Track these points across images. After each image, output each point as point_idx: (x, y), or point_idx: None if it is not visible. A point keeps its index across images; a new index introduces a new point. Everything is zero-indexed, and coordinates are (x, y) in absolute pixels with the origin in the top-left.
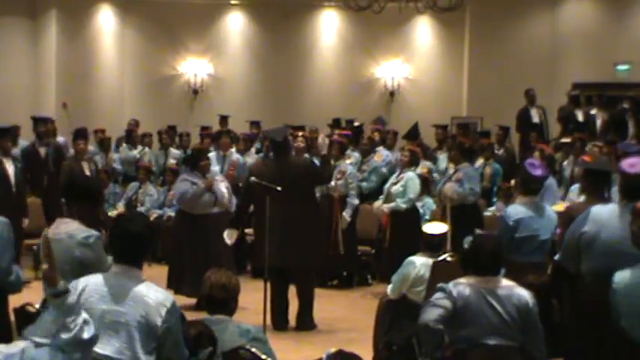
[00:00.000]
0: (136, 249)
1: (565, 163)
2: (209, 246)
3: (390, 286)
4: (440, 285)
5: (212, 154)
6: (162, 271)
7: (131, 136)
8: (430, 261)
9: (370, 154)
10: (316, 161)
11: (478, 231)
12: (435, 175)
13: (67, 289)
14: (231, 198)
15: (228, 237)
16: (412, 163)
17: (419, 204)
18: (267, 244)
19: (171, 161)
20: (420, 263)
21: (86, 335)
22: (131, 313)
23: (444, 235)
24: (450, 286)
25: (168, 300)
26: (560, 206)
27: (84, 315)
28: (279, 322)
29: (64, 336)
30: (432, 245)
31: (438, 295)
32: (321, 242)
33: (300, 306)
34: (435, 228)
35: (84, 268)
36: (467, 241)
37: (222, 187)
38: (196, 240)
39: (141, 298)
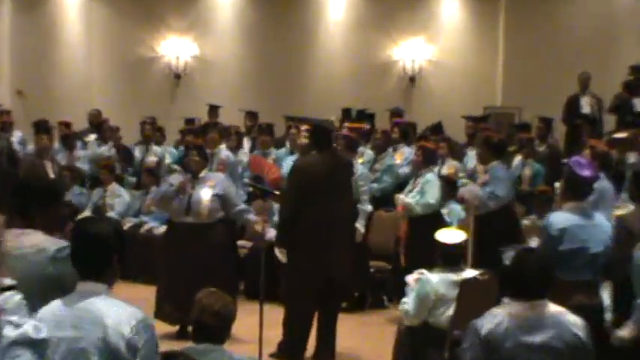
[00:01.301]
0: (99, 258)
1: (632, 159)
2: (195, 261)
3: (403, 310)
4: (472, 325)
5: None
6: (141, 291)
7: (101, 130)
8: (450, 277)
9: (383, 151)
10: None
11: (531, 244)
12: (462, 176)
13: (14, 285)
14: (232, 205)
15: (282, 256)
16: (427, 162)
17: (444, 211)
18: (306, 257)
19: (152, 159)
20: (437, 280)
21: (36, 334)
22: (88, 337)
23: (462, 244)
24: (484, 324)
25: (133, 317)
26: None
27: (35, 321)
28: (299, 355)
29: (10, 333)
30: (450, 257)
31: (470, 339)
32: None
33: (324, 336)
34: (451, 236)
35: (59, 287)
36: (507, 257)
37: (204, 192)
38: (178, 253)
39: (100, 319)
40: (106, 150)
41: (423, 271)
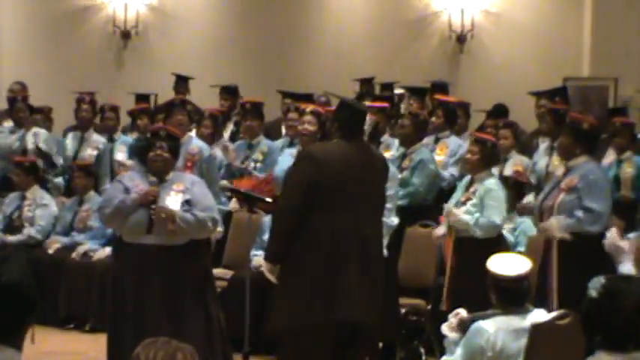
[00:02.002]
0: (7, 314)
1: None
2: (160, 299)
3: None
4: None
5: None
6: (73, 342)
7: (14, 111)
8: (511, 323)
9: (416, 142)
10: None
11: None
12: (532, 178)
13: None
14: (193, 220)
15: (271, 274)
16: (487, 162)
17: (507, 226)
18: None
19: (89, 152)
20: (493, 330)
21: None
22: None
23: (527, 277)
24: None
25: None
26: None
27: None
28: None
29: None
30: (511, 295)
31: None
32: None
33: None
34: (510, 264)
35: None
36: (594, 287)
37: (171, 201)
38: (134, 289)
39: None
40: (16, 139)
41: (460, 310)
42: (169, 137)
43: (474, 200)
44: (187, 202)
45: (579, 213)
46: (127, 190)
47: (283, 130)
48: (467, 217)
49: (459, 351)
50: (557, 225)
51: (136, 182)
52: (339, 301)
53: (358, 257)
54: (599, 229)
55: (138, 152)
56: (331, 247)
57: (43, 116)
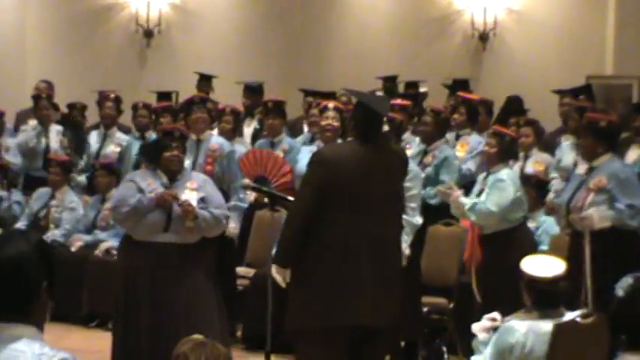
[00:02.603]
0: (13, 289)
1: None
2: (175, 299)
3: None
4: None
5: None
6: (96, 340)
7: (38, 108)
8: (543, 326)
9: (437, 139)
10: None
11: None
12: (555, 175)
13: None
14: (210, 217)
15: (282, 279)
16: (505, 155)
17: (531, 225)
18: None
19: (112, 149)
20: (524, 331)
21: None
22: None
23: (562, 278)
24: None
25: (58, 356)
26: None
27: None
28: None
29: None
30: (545, 298)
31: None
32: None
33: None
34: (545, 266)
35: None
36: (621, 287)
37: (188, 198)
38: (149, 289)
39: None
40: (37, 136)
41: (496, 315)
42: (182, 137)
43: (486, 189)
44: (202, 200)
45: (620, 205)
46: (140, 190)
47: (305, 128)
48: (464, 199)
49: (488, 349)
50: (597, 215)
51: (149, 182)
52: (350, 305)
53: (371, 258)
54: (639, 223)
55: (149, 152)
56: (343, 248)
57: (77, 112)
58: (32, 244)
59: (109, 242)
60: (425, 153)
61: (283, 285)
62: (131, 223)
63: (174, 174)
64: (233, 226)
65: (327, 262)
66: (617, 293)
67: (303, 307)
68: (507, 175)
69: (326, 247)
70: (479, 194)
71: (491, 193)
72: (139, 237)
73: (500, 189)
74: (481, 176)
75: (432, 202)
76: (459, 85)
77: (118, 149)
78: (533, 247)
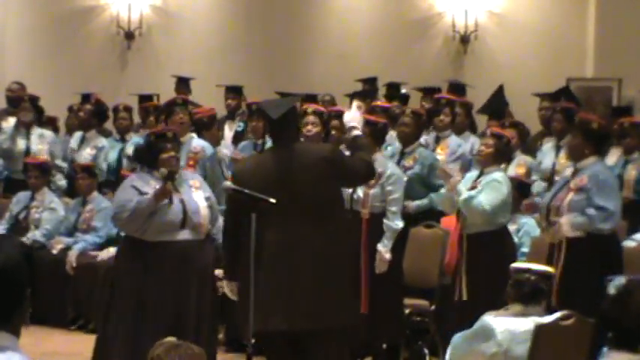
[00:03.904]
0: (1, 296)
1: None
2: (180, 297)
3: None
4: None
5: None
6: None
7: (19, 110)
8: (522, 325)
9: (414, 141)
10: None
11: None
12: (536, 178)
13: None
14: (216, 217)
15: (230, 291)
16: (500, 157)
17: (512, 227)
18: (258, 294)
19: (89, 152)
20: (502, 329)
21: None
22: None
23: (549, 276)
24: None
25: None
26: None
27: None
28: None
29: None
30: (529, 290)
31: None
32: (354, 287)
33: None
34: (532, 265)
35: None
36: (614, 285)
37: (197, 197)
38: (153, 288)
39: None
40: (18, 139)
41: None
42: (175, 137)
43: (479, 188)
44: (207, 199)
45: (591, 211)
46: (141, 193)
47: None
48: (462, 189)
49: (464, 345)
50: (568, 223)
51: (152, 184)
52: (270, 310)
53: (287, 262)
54: (611, 227)
55: (144, 155)
56: (265, 257)
57: (51, 126)
58: (20, 249)
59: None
60: (403, 154)
61: (234, 298)
62: (135, 227)
63: (173, 174)
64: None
65: (252, 270)
66: (609, 291)
67: (243, 314)
68: (502, 177)
69: (249, 259)
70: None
71: (487, 192)
72: (152, 237)
73: (496, 189)
74: (471, 174)
75: (412, 210)
76: (453, 88)
77: (94, 152)
78: (513, 251)
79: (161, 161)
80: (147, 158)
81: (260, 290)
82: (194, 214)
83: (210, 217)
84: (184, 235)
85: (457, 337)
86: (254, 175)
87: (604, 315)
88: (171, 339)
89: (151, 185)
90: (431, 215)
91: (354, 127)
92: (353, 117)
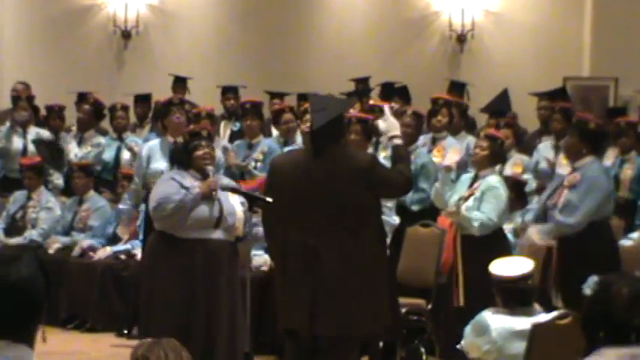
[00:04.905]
0: (22, 309)
1: None
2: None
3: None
4: None
5: (154, 142)
6: (73, 341)
7: (16, 109)
8: (515, 325)
9: (412, 142)
10: None
11: None
12: (529, 177)
13: None
14: (249, 220)
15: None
16: (495, 159)
17: (507, 227)
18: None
19: (87, 150)
20: (497, 326)
21: None
22: None
23: (530, 276)
24: None
25: None
26: None
27: None
28: None
29: None
30: (516, 295)
31: None
32: (382, 297)
33: None
34: (512, 266)
35: None
36: (588, 286)
37: (234, 200)
38: (182, 285)
39: None
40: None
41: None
42: (210, 135)
43: (477, 194)
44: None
45: (556, 214)
46: (185, 187)
47: (274, 132)
48: (466, 213)
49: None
50: (536, 233)
51: (189, 180)
52: (291, 312)
53: (303, 269)
54: (573, 222)
55: (178, 156)
56: (283, 258)
57: (54, 115)
58: (38, 264)
59: (88, 241)
60: None
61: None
62: (175, 220)
63: (207, 172)
64: None
65: (276, 271)
66: (585, 292)
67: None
68: (499, 182)
69: (273, 257)
70: (467, 197)
71: (488, 202)
72: (184, 234)
73: (497, 197)
74: (465, 178)
75: (414, 208)
76: (455, 87)
77: (93, 151)
78: (508, 251)
79: (196, 159)
80: (183, 157)
81: (288, 291)
82: (230, 215)
83: (244, 220)
84: (217, 234)
85: (468, 327)
86: (287, 172)
87: (589, 317)
88: (147, 339)
89: (189, 180)
90: (429, 214)
91: (395, 137)
92: (390, 124)
